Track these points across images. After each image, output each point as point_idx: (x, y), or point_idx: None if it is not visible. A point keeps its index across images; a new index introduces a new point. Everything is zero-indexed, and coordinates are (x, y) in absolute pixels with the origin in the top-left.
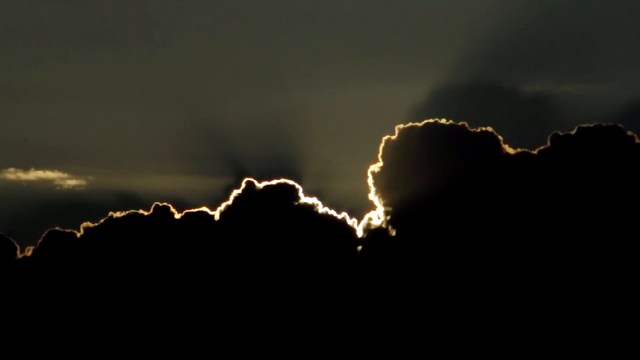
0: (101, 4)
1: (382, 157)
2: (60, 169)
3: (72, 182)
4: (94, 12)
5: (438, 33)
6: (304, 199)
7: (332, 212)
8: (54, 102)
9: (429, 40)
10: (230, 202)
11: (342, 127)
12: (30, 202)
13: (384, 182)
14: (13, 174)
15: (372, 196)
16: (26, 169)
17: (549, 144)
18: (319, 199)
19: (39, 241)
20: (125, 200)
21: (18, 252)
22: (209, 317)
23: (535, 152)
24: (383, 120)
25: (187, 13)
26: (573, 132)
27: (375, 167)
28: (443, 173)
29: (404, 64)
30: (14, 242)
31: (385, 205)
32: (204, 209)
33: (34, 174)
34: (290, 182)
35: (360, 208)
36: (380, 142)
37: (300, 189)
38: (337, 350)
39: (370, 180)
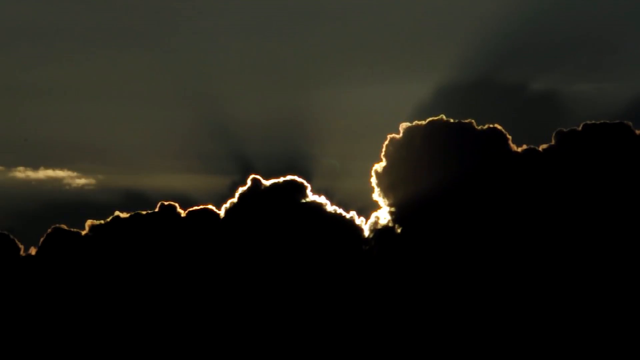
0: (111, 3)
1: (385, 156)
2: (69, 168)
3: (81, 181)
4: (104, 11)
5: (444, 30)
6: (311, 197)
7: (340, 211)
8: (64, 101)
9: (435, 37)
10: (235, 199)
11: (349, 126)
12: (39, 201)
13: (387, 182)
14: (22, 173)
15: (376, 196)
16: (35, 167)
17: (553, 141)
18: (328, 197)
19: (42, 239)
20: (134, 199)
21: (22, 251)
22: (214, 315)
23: (540, 149)
24: (391, 119)
25: (195, 13)
26: (579, 129)
27: (379, 167)
28: (448, 170)
29: (411, 62)
30: (17, 240)
31: (389, 205)
32: (210, 206)
33: (43, 173)
34: (298, 179)
35: (369, 207)
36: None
37: (309, 187)
38: (344, 348)
39: (373, 180)
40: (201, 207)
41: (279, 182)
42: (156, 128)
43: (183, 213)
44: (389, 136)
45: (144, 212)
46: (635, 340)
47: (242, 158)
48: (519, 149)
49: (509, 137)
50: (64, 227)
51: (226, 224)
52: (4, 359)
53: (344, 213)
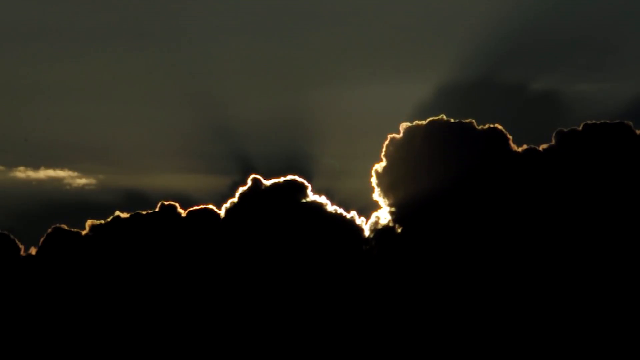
0: (112, 3)
1: (386, 156)
2: (70, 168)
3: (81, 181)
4: (104, 11)
5: (444, 30)
6: (312, 197)
7: (341, 211)
8: (64, 101)
9: (435, 37)
10: (235, 199)
11: (349, 126)
12: (40, 201)
13: (387, 182)
14: (23, 173)
15: (377, 196)
16: (36, 167)
17: (553, 141)
18: (328, 197)
19: (42, 239)
20: (134, 199)
21: (22, 251)
22: (215, 315)
23: (540, 149)
24: (391, 119)
25: (196, 13)
26: (579, 128)
27: (379, 167)
28: (449, 170)
29: (411, 62)
30: (17, 240)
31: (389, 205)
32: (210, 206)
33: (43, 173)
34: (299, 179)
35: (369, 207)
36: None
37: (309, 187)
38: (345, 348)
39: (374, 180)
40: (201, 207)
41: (279, 182)
42: (156, 128)
43: (183, 213)
44: (389, 136)
45: (144, 212)
46: (635, 340)
47: (242, 158)
48: (519, 149)
49: (510, 137)
50: (64, 227)
51: (226, 224)
52: (4, 359)
53: (344, 213)
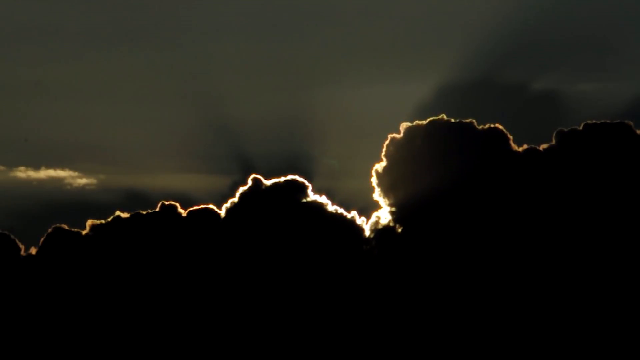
0: (112, 3)
1: (386, 156)
2: (70, 168)
3: (82, 181)
4: (104, 11)
5: (444, 30)
6: (312, 197)
7: (341, 211)
8: (66, 100)
9: (436, 37)
10: (236, 199)
11: (349, 125)
12: (40, 201)
13: (388, 181)
14: (23, 173)
15: (377, 196)
16: (36, 167)
17: (553, 141)
18: (328, 197)
19: (42, 239)
20: (134, 199)
21: (22, 251)
22: (215, 315)
23: (541, 149)
24: (391, 119)
25: (197, 12)
26: (580, 128)
27: (379, 167)
28: (449, 170)
29: (412, 62)
30: (17, 240)
31: (390, 205)
32: (210, 206)
33: (44, 173)
34: (299, 179)
35: (370, 207)
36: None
37: (310, 187)
38: (345, 348)
39: (374, 180)
40: (202, 206)
41: (279, 182)
42: (157, 128)
43: (184, 213)
44: (389, 136)
45: (145, 212)
46: (635, 340)
47: (242, 158)
48: (520, 149)
49: (510, 136)
50: (65, 227)
51: (227, 224)
52: (4, 359)
53: (344, 213)
